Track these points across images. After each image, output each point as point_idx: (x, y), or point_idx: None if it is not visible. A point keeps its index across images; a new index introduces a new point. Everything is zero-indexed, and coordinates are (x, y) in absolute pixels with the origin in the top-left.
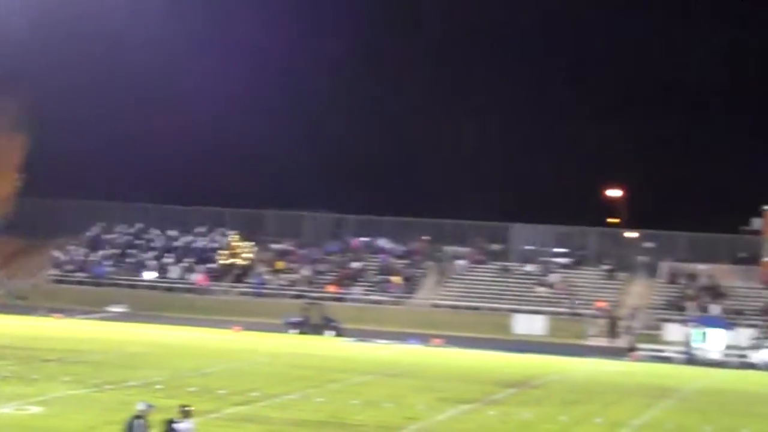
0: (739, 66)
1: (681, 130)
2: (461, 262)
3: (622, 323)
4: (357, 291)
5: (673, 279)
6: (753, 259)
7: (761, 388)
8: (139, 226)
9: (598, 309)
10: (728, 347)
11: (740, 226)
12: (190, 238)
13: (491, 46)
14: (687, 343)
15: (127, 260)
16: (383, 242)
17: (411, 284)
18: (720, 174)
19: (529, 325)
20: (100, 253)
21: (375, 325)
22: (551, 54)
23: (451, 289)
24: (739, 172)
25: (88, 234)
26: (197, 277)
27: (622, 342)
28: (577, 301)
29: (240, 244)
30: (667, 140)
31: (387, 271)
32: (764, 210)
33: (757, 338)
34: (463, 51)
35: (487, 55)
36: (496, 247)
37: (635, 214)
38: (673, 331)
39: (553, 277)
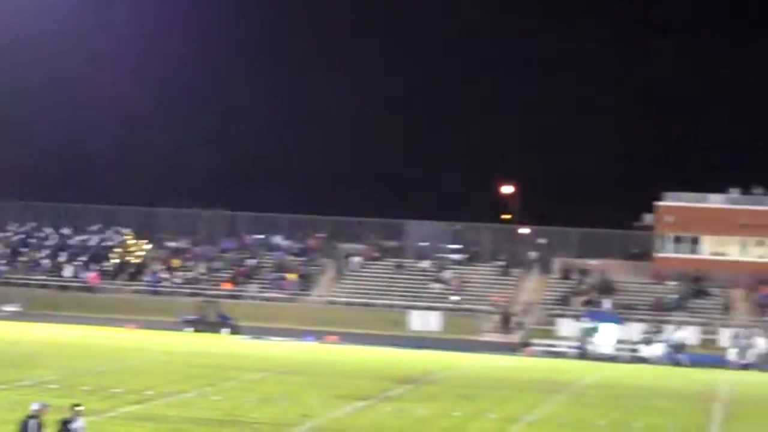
0: (627, 63)
1: (573, 125)
2: (356, 259)
3: (515, 319)
4: (253, 288)
5: (565, 274)
6: (644, 255)
7: (652, 382)
8: (32, 224)
9: (493, 304)
10: (620, 342)
11: (632, 221)
12: (83, 236)
13: (388, 40)
14: (580, 338)
15: (20, 259)
16: (279, 239)
17: (307, 281)
18: (612, 170)
19: (423, 321)
20: None
21: (271, 323)
22: (444, 51)
23: (347, 286)
24: (631, 167)
25: None
26: (90, 276)
27: (515, 337)
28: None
29: (134, 242)
30: (559, 136)
31: (283, 268)
32: (655, 206)
33: (648, 333)
34: (358, 51)
35: (381, 51)
36: (391, 243)
37: (528, 211)
38: (565, 327)
39: (447, 274)
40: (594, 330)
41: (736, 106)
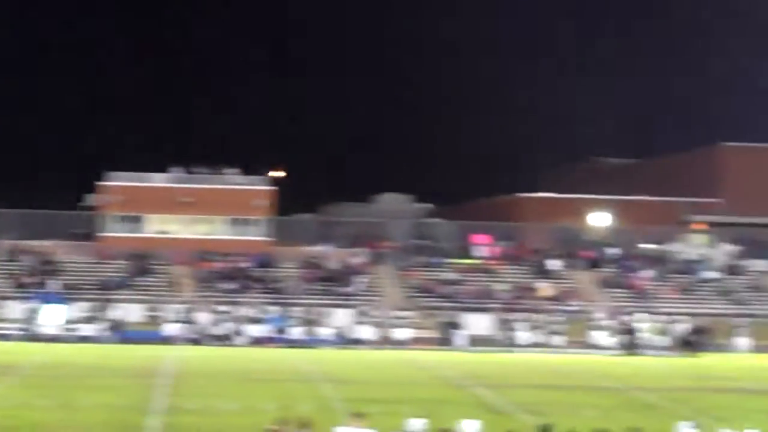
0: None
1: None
2: None
3: None
4: None
5: (12, 257)
6: (89, 235)
7: (98, 360)
8: None
9: None
10: (66, 322)
11: (78, 202)
12: None
13: None
14: (26, 320)
15: None
16: None
17: None
18: (57, 151)
19: None
20: None
21: None
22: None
23: None
24: (75, 149)
25: None
26: None
27: None
28: None
29: None
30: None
31: None
32: (99, 185)
33: (92, 312)
34: None
35: None
36: None
37: None
38: (12, 309)
39: None
40: (39, 311)
41: (178, 94)
